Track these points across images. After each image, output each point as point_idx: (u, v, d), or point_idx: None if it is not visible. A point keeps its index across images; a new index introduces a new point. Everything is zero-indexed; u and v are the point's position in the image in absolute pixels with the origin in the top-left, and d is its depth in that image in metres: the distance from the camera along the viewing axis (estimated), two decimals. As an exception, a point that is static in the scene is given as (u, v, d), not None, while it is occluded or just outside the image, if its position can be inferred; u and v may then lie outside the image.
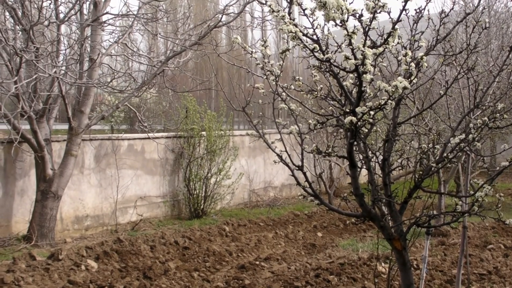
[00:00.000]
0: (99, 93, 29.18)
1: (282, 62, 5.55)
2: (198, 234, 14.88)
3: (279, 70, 5.64)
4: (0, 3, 12.69)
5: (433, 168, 6.09)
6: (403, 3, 4.78)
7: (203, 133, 18.39)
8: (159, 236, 14.26)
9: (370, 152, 6.18)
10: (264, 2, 5.05)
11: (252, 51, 5.78)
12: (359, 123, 4.98)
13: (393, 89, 4.58)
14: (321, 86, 6.31)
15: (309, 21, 4.84)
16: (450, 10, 6.09)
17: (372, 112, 4.95)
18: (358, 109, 4.91)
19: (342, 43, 5.05)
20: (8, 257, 12.40)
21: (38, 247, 13.33)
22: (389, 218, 6.17)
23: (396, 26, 4.76)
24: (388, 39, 4.79)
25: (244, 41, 5.87)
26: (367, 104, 4.98)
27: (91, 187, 15.90)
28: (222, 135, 18.86)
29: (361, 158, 6.11)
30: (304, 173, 6.04)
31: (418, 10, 5.76)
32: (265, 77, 5.72)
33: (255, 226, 17.06)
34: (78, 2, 14.00)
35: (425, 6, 5.61)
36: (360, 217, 6.02)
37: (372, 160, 6.26)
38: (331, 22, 4.61)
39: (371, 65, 4.66)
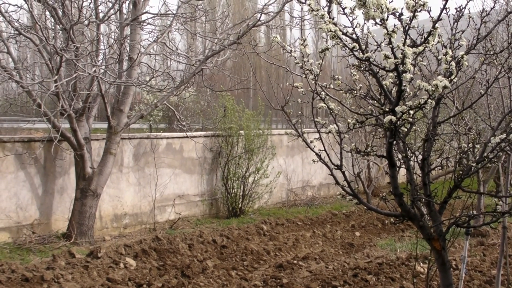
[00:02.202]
0: (138, 92, 29.38)
1: (321, 61, 5.54)
2: (236, 233, 14.91)
3: (318, 69, 5.63)
4: (41, 3, 12.82)
5: (473, 168, 6.04)
6: (444, 2, 4.76)
7: (241, 132, 18.41)
8: (197, 235, 14.31)
9: (409, 151, 6.15)
10: (304, 1, 5.05)
11: (291, 50, 5.77)
12: (398, 122, 4.97)
13: (433, 88, 4.56)
14: (360, 85, 6.30)
15: (349, 20, 4.82)
16: (491, 9, 6.05)
17: (411, 112, 4.93)
18: (397, 108, 4.89)
19: (381, 42, 5.03)
20: (47, 254, 12.52)
21: (77, 244, 13.44)
22: (428, 218, 6.13)
23: (437, 25, 4.73)
24: (428, 38, 4.77)
25: (283, 40, 5.86)
26: (406, 103, 4.96)
27: (130, 185, 16.00)
28: (260, 134, 18.86)
29: (400, 157, 6.08)
30: (343, 172, 6.02)
31: (458, 9, 5.73)
32: (304, 76, 5.72)
33: (293, 225, 17.06)
34: (118, 1, 14.10)
35: (466, 5, 5.58)
36: (399, 217, 5.99)
37: (412, 159, 6.23)
38: (371, 21, 4.60)
39: (411, 64, 4.64)
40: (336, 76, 6.10)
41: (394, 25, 4.63)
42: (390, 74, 5.32)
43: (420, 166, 6.09)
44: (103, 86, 13.78)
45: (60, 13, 12.89)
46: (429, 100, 4.76)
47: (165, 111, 29.59)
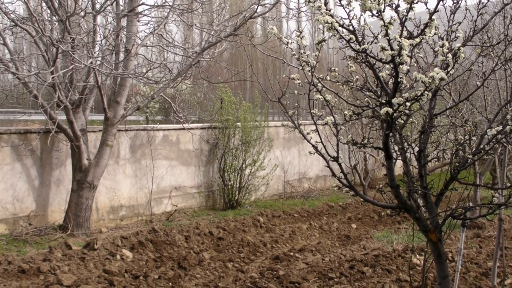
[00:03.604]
0: (134, 84, 29.34)
1: (318, 52, 5.53)
2: (233, 225, 14.91)
3: (314, 61, 5.62)
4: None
5: (469, 160, 6.05)
6: (440, -6, 4.76)
7: (238, 124, 18.40)
8: (193, 227, 14.31)
9: (406, 143, 6.15)
10: (300, -7, 5.04)
11: (287, 42, 5.76)
12: (395, 114, 4.97)
13: (430, 80, 4.56)
14: (357, 77, 6.29)
15: (345, 12, 4.82)
16: (488, 1, 6.04)
17: (408, 103, 4.93)
18: (394, 100, 4.89)
19: (378, 34, 5.02)
20: (44, 246, 12.52)
21: (73, 236, 13.44)
22: (425, 210, 6.14)
23: (433, 17, 4.73)
24: (425, 30, 4.77)
25: (279, 32, 5.86)
26: (403, 95, 4.96)
27: (126, 177, 16.00)
28: (257, 126, 18.86)
29: (397, 149, 6.08)
30: (340, 164, 6.02)
31: (455, 1, 5.72)
32: (300, 68, 5.71)
33: (290, 217, 17.07)
34: (114, -8, 14.10)
35: (463, -3, 5.58)
36: (395, 209, 6.00)
37: (408, 151, 6.23)
38: (368, 13, 4.60)
39: (408, 56, 4.64)
40: (333, 68, 6.10)
41: (391, 17, 4.63)
42: (387, 66, 5.32)
43: (416, 158, 6.09)
44: (100, 78, 13.78)
45: (56, 4, 12.86)
46: (426, 92, 4.76)
47: (161, 103, 29.54)
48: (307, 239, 14.58)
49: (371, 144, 6.00)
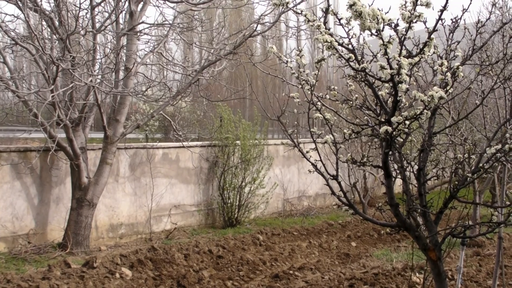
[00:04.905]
0: (134, 102, 29.36)
1: (317, 71, 5.54)
2: (232, 243, 14.89)
3: (314, 80, 5.63)
4: (37, 13, 12.83)
5: (468, 178, 6.05)
6: (439, 13, 4.77)
7: (238, 142, 18.40)
8: (193, 245, 14.29)
9: (405, 162, 6.15)
10: (300, 12, 5.05)
11: (287, 61, 5.78)
12: (394, 132, 4.97)
13: (429, 99, 4.57)
14: (356, 95, 6.30)
15: (345, 31, 4.83)
16: (487, 20, 6.07)
17: (407, 122, 4.93)
18: (393, 119, 4.89)
19: (377, 53, 5.03)
20: (43, 264, 12.49)
21: (73, 254, 13.41)
22: (424, 228, 6.14)
23: (432, 36, 4.74)
24: (424, 49, 4.78)
25: (279, 51, 5.87)
26: (402, 113, 4.97)
27: (126, 195, 15.99)
28: (256, 144, 18.85)
29: (396, 167, 6.09)
30: (339, 183, 6.01)
31: (454, 20, 5.74)
32: (300, 86, 5.72)
33: (289, 235, 17.04)
34: (114, 11, 14.13)
35: (461, 16, 5.59)
36: (395, 227, 5.99)
37: (407, 170, 6.23)
38: (367, 32, 4.60)
39: (407, 74, 4.65)
40: (332, 87, 6.11)
41: (390, 36, 4.64)
42: (386, 84, 5.32)
43: (416, 176, 6.09)
44: (99, 96, 13.79)
45: (56, 23, 12.91)
46: (425, 111, 4.77)
47: (161, 121, 29.56)
48: (307, 257, 14.55)
49: (371, 163, 6.01)
